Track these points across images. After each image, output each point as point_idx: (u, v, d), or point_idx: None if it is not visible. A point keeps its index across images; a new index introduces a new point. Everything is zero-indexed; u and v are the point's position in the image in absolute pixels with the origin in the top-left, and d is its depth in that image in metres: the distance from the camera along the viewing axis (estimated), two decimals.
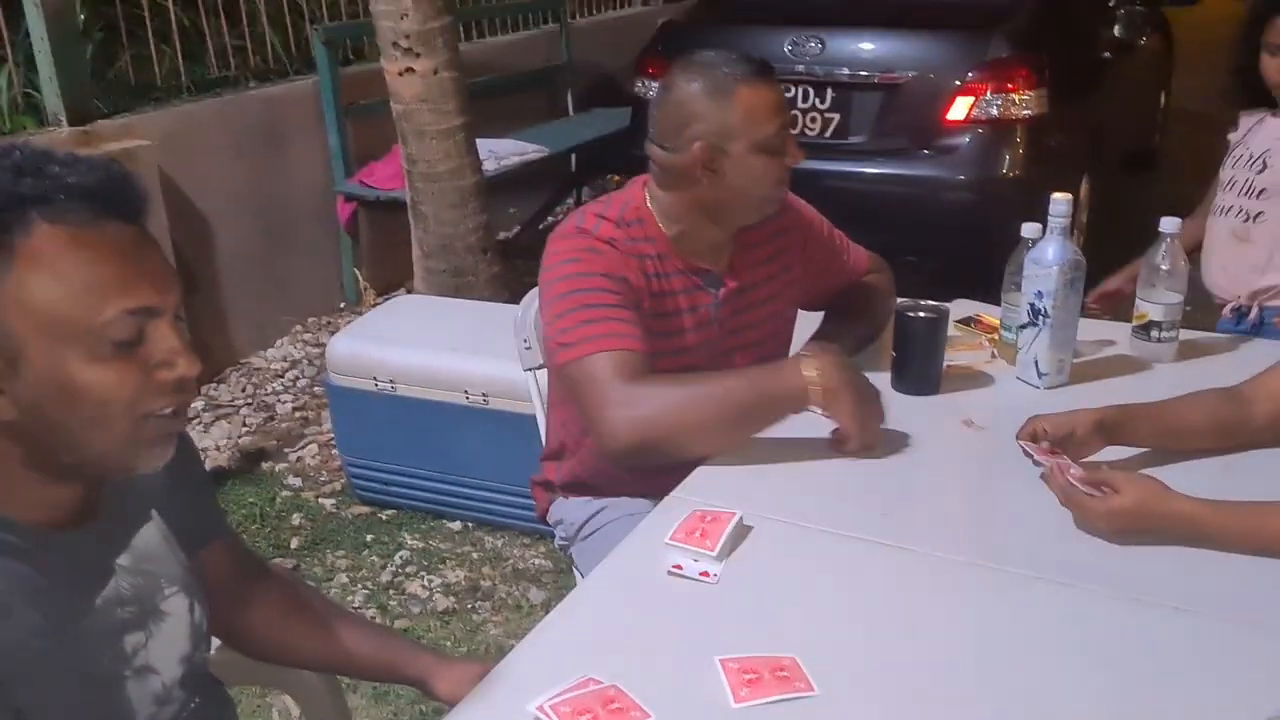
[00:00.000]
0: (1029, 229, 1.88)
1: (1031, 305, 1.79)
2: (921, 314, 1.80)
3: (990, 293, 2.13)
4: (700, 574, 1.34)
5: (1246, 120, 2.40)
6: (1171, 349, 1.90)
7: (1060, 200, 1.75)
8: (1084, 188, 4.32)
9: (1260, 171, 2.29)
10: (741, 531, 1.41)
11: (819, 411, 1.57)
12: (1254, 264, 2.29)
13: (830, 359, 1.59)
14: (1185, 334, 1.93)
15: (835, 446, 1.61)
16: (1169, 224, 1.86)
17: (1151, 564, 1.34)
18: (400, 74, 3.66)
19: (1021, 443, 1.52)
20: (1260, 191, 2.28)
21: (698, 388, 1.59)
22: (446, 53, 3.65)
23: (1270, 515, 1.36)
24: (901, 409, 1.69)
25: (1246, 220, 2.29)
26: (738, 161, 1.64)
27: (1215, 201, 2.40)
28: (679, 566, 1.34)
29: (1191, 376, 1.84)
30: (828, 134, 4.06)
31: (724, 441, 1.60)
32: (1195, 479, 1.45)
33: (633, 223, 1.72)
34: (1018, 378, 1.85)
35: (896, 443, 1.64)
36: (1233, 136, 2.42)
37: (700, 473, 1.58)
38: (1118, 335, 1.98)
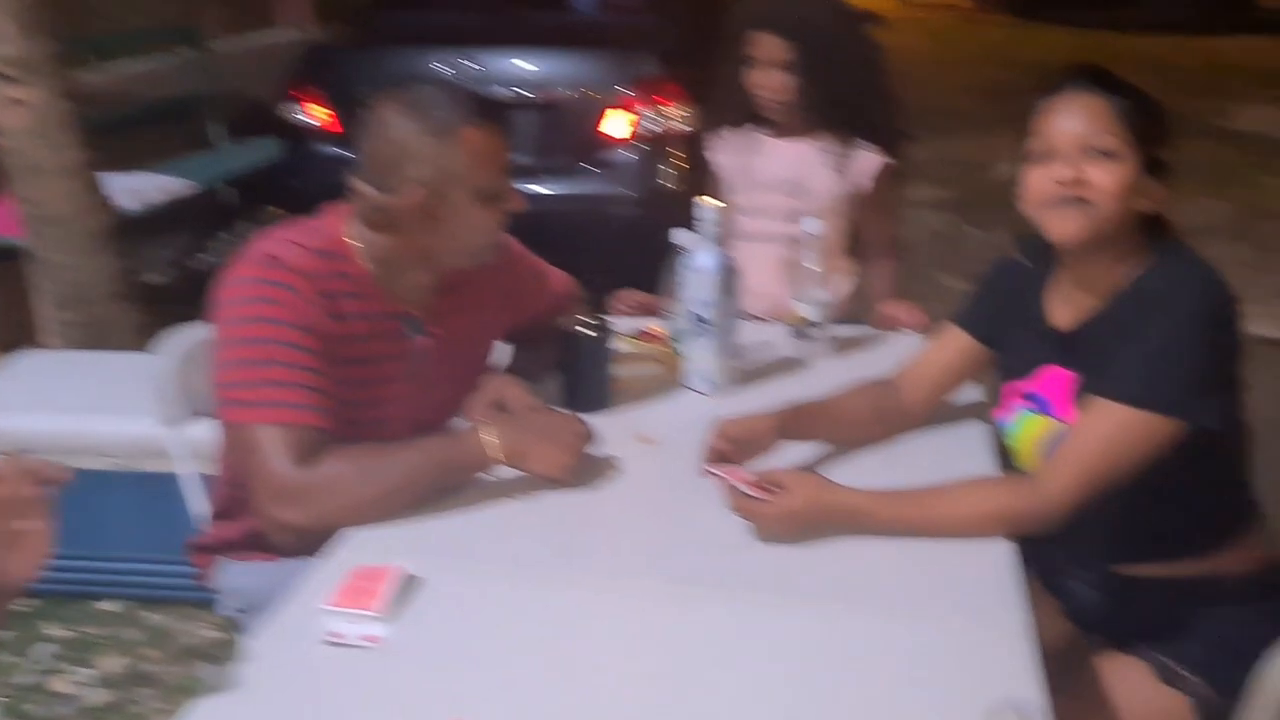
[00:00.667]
0: (680, 237, 1.88)
1: (694, 313, 1.79)
2: (588, 331, 1.75)
3: None
4: (363, 639, 1.20)
5: (735, 139, 2.33)
6: (826, 346, 1.97)
7: (708, 207, 1.76)
8: None
9: (794, 195, 2.24)
10: (410, 586, 1.29)
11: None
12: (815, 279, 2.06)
13: (503, 421, 1.53)
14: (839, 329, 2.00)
15: (559, 485, 1.54)
16: (812, 225, 1.92)
17: (830, 565, 1.36)
18: (4, 105, 3.23)
19: (708, 468, 1.48)
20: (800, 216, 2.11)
21: (375, 471, 1.46)
22: (57, 80, 3.26)
23: (923, 500, 1.41)
24: None
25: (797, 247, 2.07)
26: (458, 208, 1.52)
27: (742, 226, 2.27)
28: (338, 634, 1.21)
29: (849, 369, 1.92)
30: None
31: (405, 514, 1.47)
32: (859, 473, 1.48)
33: (331, 255, 1.55)
34: (689, 387, 1.85)
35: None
36: (722, 158, 2.36)
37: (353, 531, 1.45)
38: (776, 335, 2.02)
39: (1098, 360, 1.44)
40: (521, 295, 1.84)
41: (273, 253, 1.51)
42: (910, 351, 1.77)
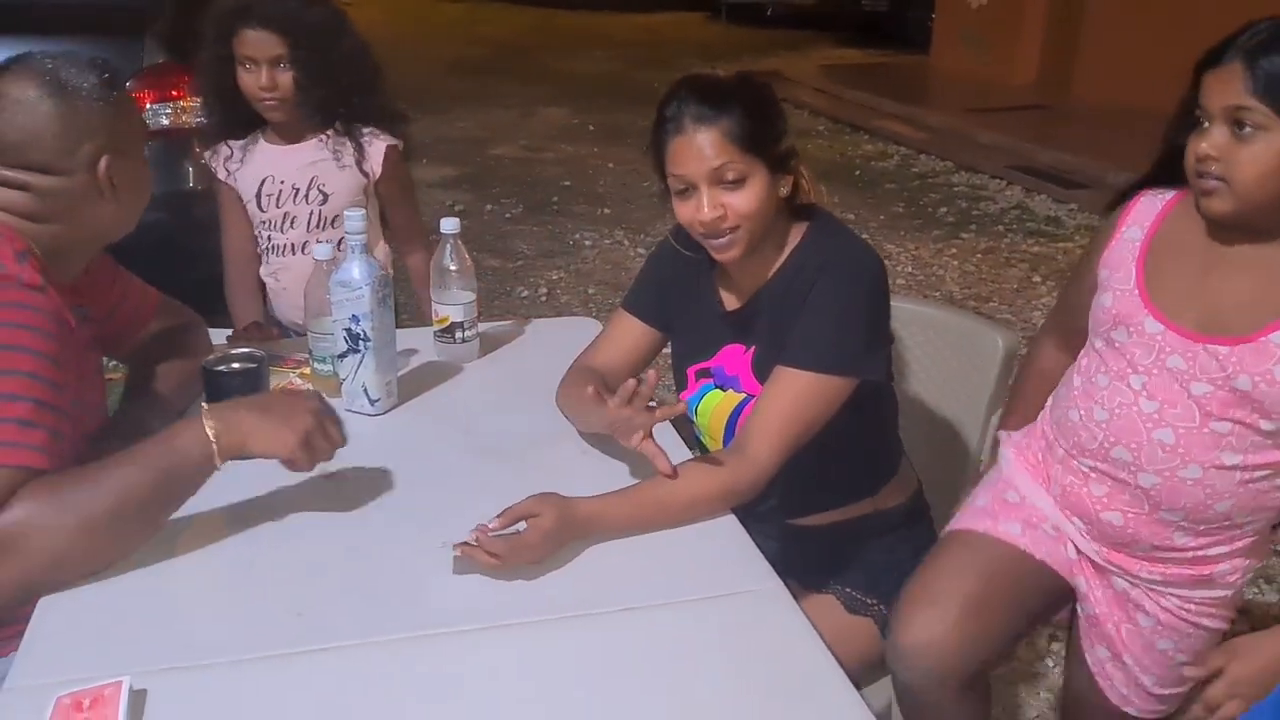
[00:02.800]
0: (321, 251, 1.74)
1: (349, 330, 1.66)
2: (236, 365, 1.56)
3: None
4: None
5: (239, 152, 2.22)
6: (475, 346, 1.92)
7: (354, 217, 1.63)
8: None
9: (316, 200, 2.20)
10: (137, 703, 1.08)
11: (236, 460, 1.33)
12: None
13: (225, 408, 1.33)
14: (481, 325, 1.97)
15: (290, 468, 1.37)
16: (449, 224, 1.86)
17: (583, 575, 1.34)
18: None
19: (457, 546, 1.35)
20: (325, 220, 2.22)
21: (83, 499, 1.23)
22: None
23: (647, 495, 1.44)
24: (238, 476, 1.40)
25: None
26: (134, 171, 1.47)
27: (273, 241, 2.24)
28: None
29: (501, 367, 1.90)
30: None
31: (136, 544, 1.30)
32: (561, 475, 1.48)
33: (25, 258, 1.34)
34: (348, 409, 1.71)
35: (256, 517, 1.41)
36: (233, 175, 2.23)
37: (40, 632, 1.19)
38: (420, 343, 1.94)
39: (770, 333, 1.56)
40: (118, 292, 1.66)
41: None
42: (558, 337, 1.78)
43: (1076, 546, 1.55)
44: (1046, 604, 1.60)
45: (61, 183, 1.39)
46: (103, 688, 1.06)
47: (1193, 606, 1.49)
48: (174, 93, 3.57)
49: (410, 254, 2.35)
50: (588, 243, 5.34)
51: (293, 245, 2.23)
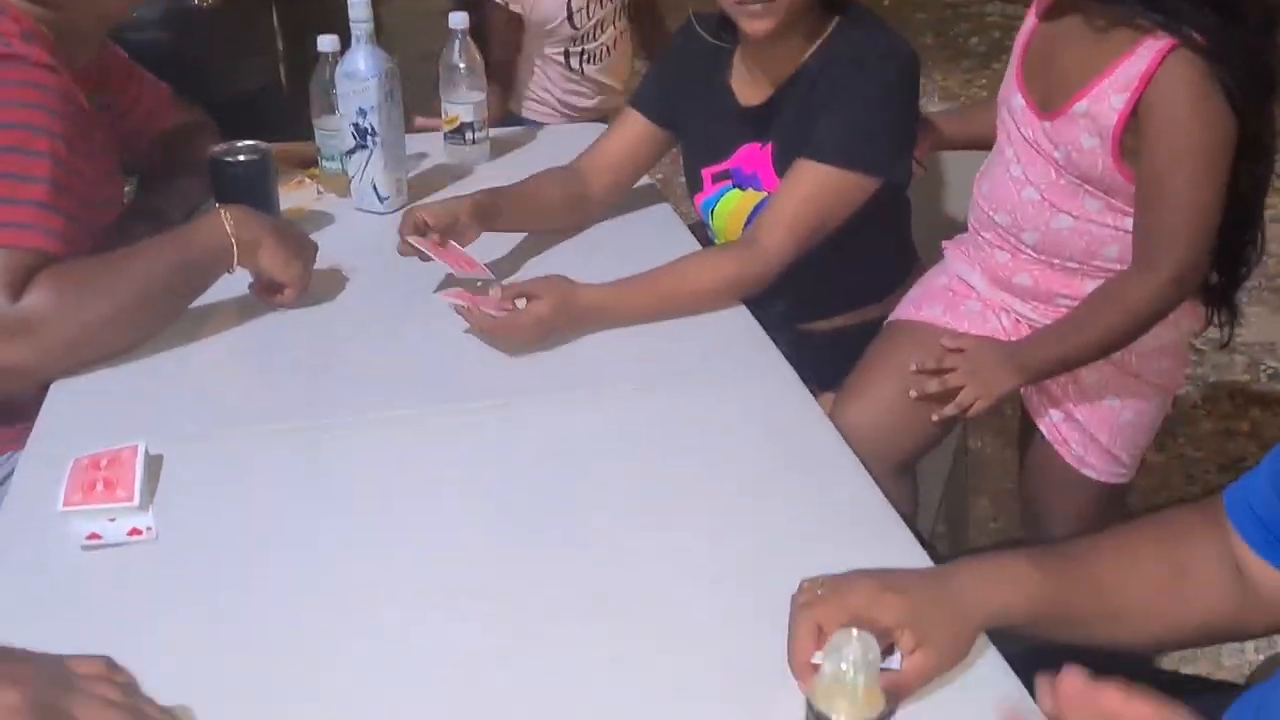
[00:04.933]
0: (326, 42, 1.69)
1: (356, 125, 1.63)
2: (243, 157, 1.53)
3: (253, 132, 1.92)
4: (129, 533, 1.02)
5: None
6: (485, 149, 1.89)
7: (359, 5, 1.57)
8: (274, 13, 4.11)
9: None
10: (153, 466, 1.10)
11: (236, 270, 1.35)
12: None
13: (241, 211, 1.34)
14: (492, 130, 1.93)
15: (263, 296, 1.40)
16: (457, 19, 1.80)
17: (603, 358, 1.35)
18: None
19: (412, 240, 1.41)
20: None
21: (104, 286, 1.24)
22: None
23: (657, 282, 1.43)
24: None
25: None
26: None
27: None
28: (95, 536, 1.01)
29: (512, 172, 1.86)
30: None
31: (150, 333, 1.32)
32: (571, 261, 1.46)
33: (33, 39, 1.29)
34: (357, 208, 1.70)
35: (266, 305, 1.41)
36: None
37: (57, 401, 1.21)
38: (429, 145, 1.91)
39: (793, 127, 1.51)
40: (143, 98, 1.64)
41: (2, 54, 1.24)
42: (568, 144, 1.75)
43: (1015, 316, 1.57)
44: None
45: None
46: (119, 450, 1.08)
47: (1132, 359, 1.50)
48: None
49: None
50: None
51: (606, 48, 2.43)
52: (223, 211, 1.33)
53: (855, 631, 0.57)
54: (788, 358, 1.40)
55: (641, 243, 1.62)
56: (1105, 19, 1.35)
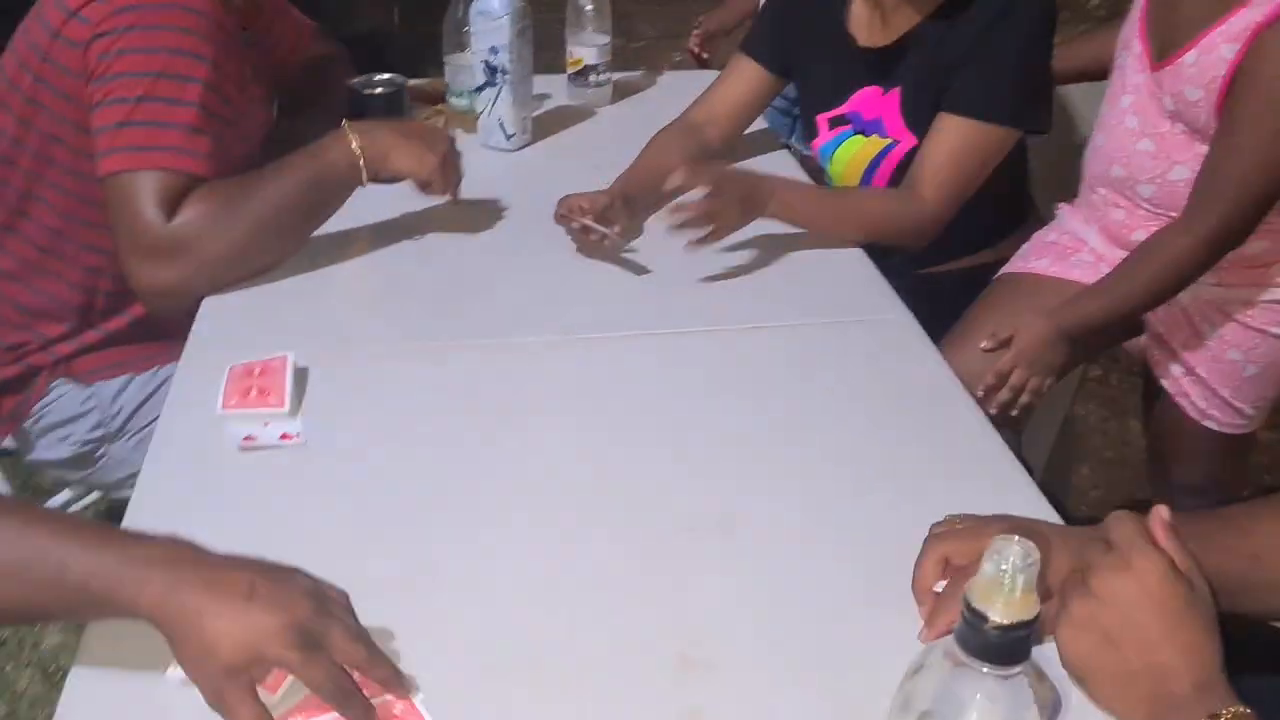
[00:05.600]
0: None
1: (487, 63, 1.67)
2: (379, 89, 1.58)
3: (382, 59, 1.95)
4: (281, 437, 1.08)
5: None
6: (608, 91, 1.92)
7: None
8: None
9: None
10: (301, 377, 1.16)
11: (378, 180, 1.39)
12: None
13: (368, 124, 1.38)
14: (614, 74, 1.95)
15: (424, 189, 1.44)
16: None
17: (733, 291, 1.38)
18: None
19: (583, 221, 1.42)
20: None
21: (244, 205, 1.31)
22: None
23: (833, 194, 1.53)
24: (381, 201, 1.47)
25: None
26: None
27: None
28: (251, 439, 1.07)
29: (633, 114, 1.90)
30: None
31: (290, 251, 1.38)
32: None
33: None
34: (484, 144, 1.74)
35: (400, 234, 1.47)
36: None
37: (210, 315, 1.29)
38: (552, 86, 1.94)
39: (926, 73, 1.51)
40: (288, 29, 1.69)
41: None
42: (689, 89, 1.77)
43: None
44: None
45: None
46: (271, 360, 1.14)
47: (1253, 313, 1.49)
48: None
49: None
50: None
51: None
52: (349, 128, 1.37)
53: (1017, 537, 0.60)
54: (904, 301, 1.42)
55: None
56: None
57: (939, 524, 0.88)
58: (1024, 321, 1.50)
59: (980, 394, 1.48)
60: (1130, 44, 1.50)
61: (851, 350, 1.27)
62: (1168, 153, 1.45)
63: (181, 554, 0.75)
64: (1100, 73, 1.60)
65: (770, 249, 1.46)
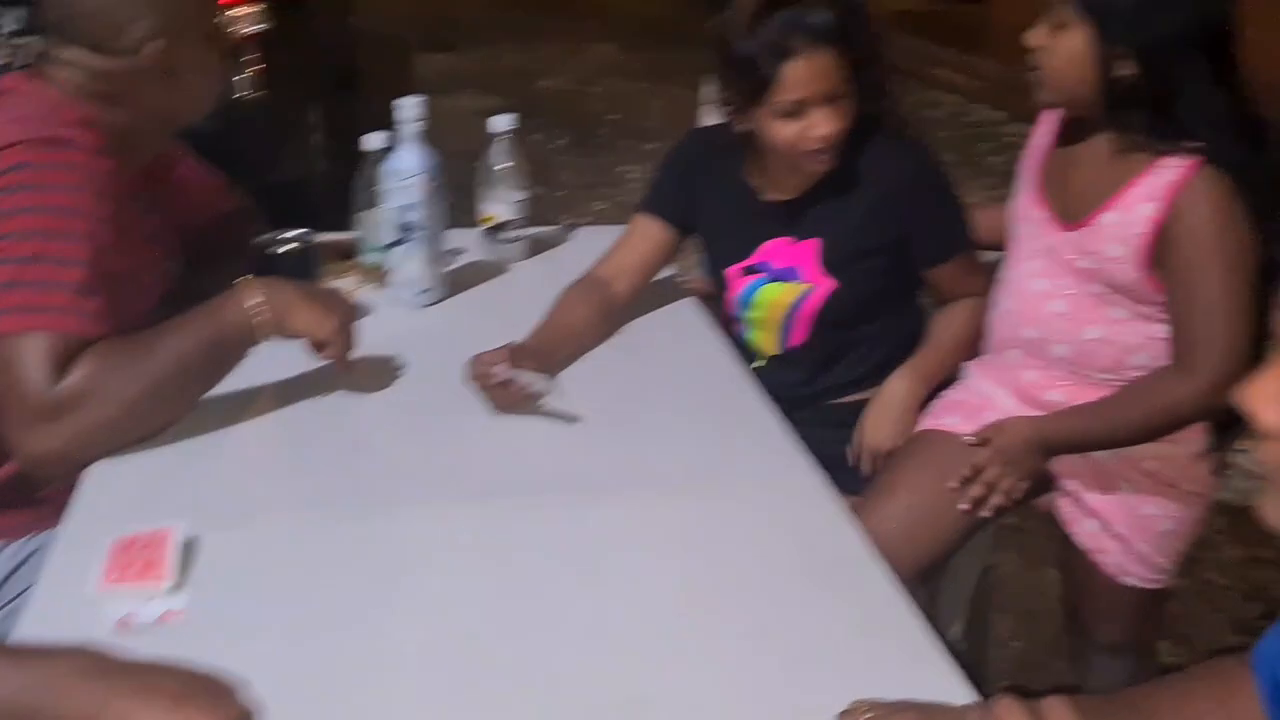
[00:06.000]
0: (373, 140, 1.74)
1: (399, 220, 1.67)
2: (288, 246, 1.57)
3: (290, 222, 1.95)
4: (162, 616, 1.02)
5: None
6: (522, 246, 1.93)
7: (409, 105, 1.63)
8: (317, 107, 4.25)
9: None
10: (190, 549, 1.10)
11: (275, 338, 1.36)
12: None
13: (268, 281, 1.36)
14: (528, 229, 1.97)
15: (320, 352, 1.42)
16: (500, 122, 1.86)
17: (623, 454, 1.36)
18: None
19: (506, 374, 1.40)
20: None
21: (138, 367, 1.26)
22: None
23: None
24: (282, 360, 1.44)
25: None
26: (196, 54, 1.42)
27: None
28: (128, 619, 1.01)
29: (546, 268, 1.90)
30: None
31: (183, 411, 1.34)
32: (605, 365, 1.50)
33: (83, 127, 1.33)
34: (395, 300, 1.73)
35: (303, 392, 1.43)
36: None
37: (93, 484, 1.23)
38: (466, 241, 1.95)
39: (839, 225, 1.61)
40: (193, 188, 1.67)
41: (51, 136, 1.28)
42: (601, 245, 1.79)
43: None
44: None
45: (115, 63, 1.36)
46: (155, 532, 1.09)
47: (1166, 468, 1.52)
48: (231, 0, 3.57)
49: None
50: (632, 175, 5.31)
51: None
52: (251, 284, 1.34)
53: None
54: (812, 433, 1.45)
55: (670, 338, 1.68)
56: (1125, 144, 1.41)
57: (847, 712, 0.85)
58: (1006, 421, 1.53)
59: (954, 486, 1.51)
60: (1028, 213, 1.56)
61: (763, 513, 1.26)
62: (1079, 314, 1.49)
63: (107, 664, 0.77)
64: (996, 246, 1.68)
65: (682, 408, 1.46)
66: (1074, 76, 1.41)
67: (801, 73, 1.49)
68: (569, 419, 1.41)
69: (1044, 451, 1.50)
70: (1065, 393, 1.54)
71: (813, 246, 1.63)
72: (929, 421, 1.67)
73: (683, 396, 1.51)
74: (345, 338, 1.40)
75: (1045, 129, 1.60)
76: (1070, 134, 1.52)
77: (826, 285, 1.63)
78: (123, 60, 1.36)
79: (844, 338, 1.68)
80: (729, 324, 1.76)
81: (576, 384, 1.49)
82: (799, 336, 1.69)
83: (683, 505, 1.27)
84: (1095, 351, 1.49)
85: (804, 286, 1.64)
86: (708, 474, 1.34)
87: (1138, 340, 1.47)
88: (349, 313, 1.41)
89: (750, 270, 1.68)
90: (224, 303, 1.33)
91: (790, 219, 1.64)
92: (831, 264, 1.62)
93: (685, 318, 1.76)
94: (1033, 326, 1.55)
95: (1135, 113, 1.39)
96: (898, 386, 1.66)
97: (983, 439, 1.52)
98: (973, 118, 6.83)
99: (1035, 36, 1.44)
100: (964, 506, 1.50)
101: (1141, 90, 1.37)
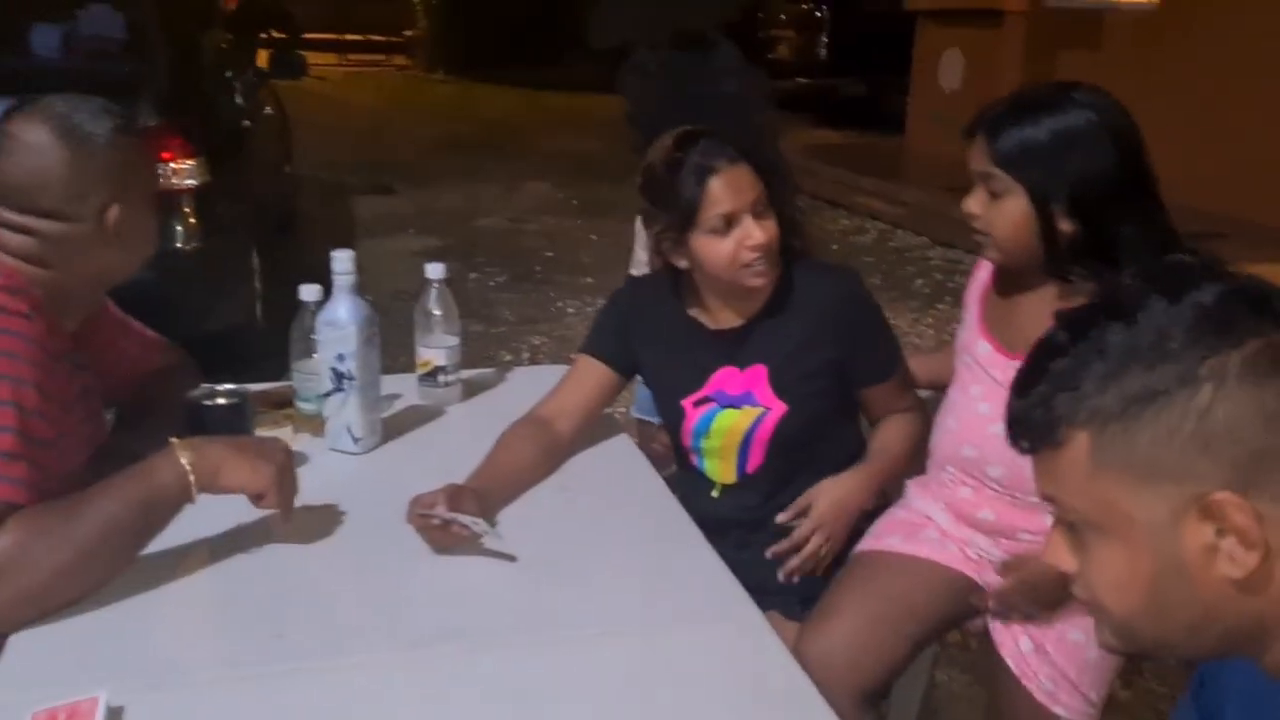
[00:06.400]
0: (308, 291, 1.76)
1: (334, 370, 1.68)
2: (220, 400, 1.57)
3: (248, 373, 1.95)
4: None
5: None
6: (458, 390, 1.95)
7: (342, 257, 1.67)
8: (254, 255, 4.28)
9: None
10: (113, 717, 1.07)
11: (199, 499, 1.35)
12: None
13: (198, 440, 1.36)
14: (464, 372, 1.99)
15: (259, 504, 1.41)
16: (434, 269, 1.90)
17: (559, 597, 1.36)
18: None
19: (446, 515, 1.40)
20: None
21: (66, 532, 1.24)
22: None
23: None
24: (214, 513, 1.42)
25: None
26: (143, 219, 1.48)
27: None
28: None
29: (483, 411, 1.92)
30: None
31: (113, 575, 1.30)
32: (542, 503, 1.50)
33: (15, 293, 1.34)
34: (331, 448, 1.73)
35: (233, 546, 1.41)
36: None
37: (15, 651, 1.19)
38: (403, 386, 1.96)
39: (783, 351, 1.69)
40: (124, 344, 1.69)
41: None
42: (536, 385, 1.82)
43: (977, 551, 1.64)
44: (947, 607, 1.64)
45: (68, 229, 1.40)
46: (79, 703, 1.06)
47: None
48: (165, 154, 3.63)
49: None
50: (570, 310, 5.40)
51: None
52: (177, 445, 1.34)
53: None
54: (755, 556, 1.47)
55: (606, 475, 1.71)
56: (1068, 285, 1.49)
57: None
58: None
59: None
60: (973, 346, 1.64)
61: (703, 652, 1.26)
62: None
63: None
64: (933, 386, 1.82)
65: (619, 546, 1.47)
66: (1017, 239, 1.49)
67: (725, 186, 1.59)
68: (507, 558, 1.40)
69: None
70: (995, 511, 1.58)
71: (760, 372, 1.70)
72: (870, 543, 1.70)
73: (620, 534, 1.52)
74: (283, 486, 1.39)
75: (985, 268, 1.68)
76: (1010, 275, 1.60)
77: (779, 408, 1.69)
78: (78, 226, 1.40)
79: (797, 458, 1.73)
80: (683, 456, 1.80)
81: (514, 523, 1.50)
82: (755, 460, 1.74)
83: (623, 646, 1.26)
84: (1028, 474, 1.52)
85: (758, 410, 1.70)
86: (647, 614, 1.34)
87: None
88: (285, 460, 1.40)
89: (704, 400, 1.73)
90: (154, 464, 1.32)
91: (736, 347, 1.71)
92: (780, 387, 1.69)
93: (620, 453, 1.79)
94: (971, 445, 1.60)
95: (1078, 261, 1.47)
96: (848, 478, 1.71)
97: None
98: (896, 243, 7.08)
99: (974, 204, 1.52)
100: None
101: (1083, 241, 1.46)
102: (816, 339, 1.68)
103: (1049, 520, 1.50)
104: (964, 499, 1.62)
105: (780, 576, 1.66)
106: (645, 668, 1.22)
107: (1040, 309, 1.50)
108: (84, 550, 1.25)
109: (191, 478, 1.31)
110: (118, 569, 1.30)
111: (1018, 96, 1.51)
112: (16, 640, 1.21)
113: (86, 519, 1.26)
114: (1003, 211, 1.49)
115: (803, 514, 1.67)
